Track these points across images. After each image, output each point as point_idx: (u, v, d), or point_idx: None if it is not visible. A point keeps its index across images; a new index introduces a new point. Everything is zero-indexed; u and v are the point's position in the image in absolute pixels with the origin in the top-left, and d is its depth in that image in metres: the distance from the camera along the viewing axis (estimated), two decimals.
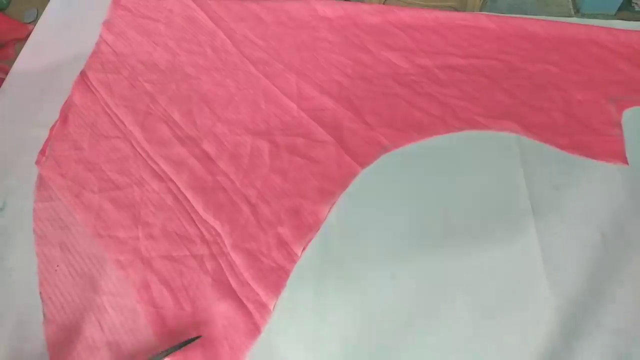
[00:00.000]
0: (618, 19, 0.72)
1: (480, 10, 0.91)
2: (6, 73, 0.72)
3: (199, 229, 0.55)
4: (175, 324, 0.49)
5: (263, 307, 0.49)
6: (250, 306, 0.49)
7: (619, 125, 0.61)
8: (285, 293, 0.50)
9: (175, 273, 0.52)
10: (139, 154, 0.61)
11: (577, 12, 1.29)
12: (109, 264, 0.53)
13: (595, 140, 0.60)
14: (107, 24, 0.76)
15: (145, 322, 0.49)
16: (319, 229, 0.54)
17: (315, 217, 0.55)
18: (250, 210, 0.56)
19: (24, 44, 0.76)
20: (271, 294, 0.50)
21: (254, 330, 0.48)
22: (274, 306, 0.50)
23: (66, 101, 0.67)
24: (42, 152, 0.62)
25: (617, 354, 0.46)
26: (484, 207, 0.55)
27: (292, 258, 0.52)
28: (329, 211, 0.55)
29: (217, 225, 0.55)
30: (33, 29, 0.78)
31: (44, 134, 0.64)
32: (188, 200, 0.57)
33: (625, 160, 0.58)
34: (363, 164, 0.58)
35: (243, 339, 0.48)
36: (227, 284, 0.51)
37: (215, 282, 0.51)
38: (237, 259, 0.52)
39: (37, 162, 0.61)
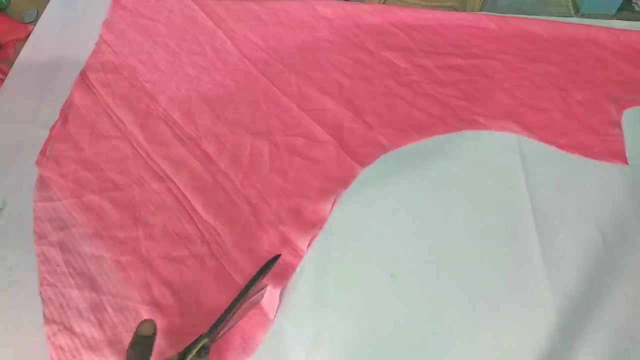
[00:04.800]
0: (618, 19, 0.72)
1: (480, 10, 0.91)
2: (5, 74, 0.72)
3: (199, 229, 0.55)
4: (182, 321, 0.49)
5: (271, 296, 0.49)
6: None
7: (619, 125, 0.61)
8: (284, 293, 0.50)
9: (176, 273, 0.52)
10: (139, 154, 0.61)
11: (577, 12, 1.29)
12: (109, 264, 0.53)
13: (595, 140, 0.60)
14: (107, 24, 0.76)
15: None
16: (322, 227, 0.54)
17: (318, 215, 0.55)
18: (251, 210, 0.56)
19: (24, 44, 0.76)
20: (278, 284, 0.50)
21: (265, 320, 0.48)
22: (281, 297, 0.50)
23: (66, 101, 0.67)
24: (42, 152, 0.62)
25: (616, 354, 0.46)
26: (484, 206, 0.55)
27: (298, 254, 0.52)
28: (331, 209, 0.55)
29: (217, 226, 0.55)
30: (33, 29, 0.78)
31: (44, 134, 0.64)
32: (188, 200, 0.57)
33: (625, 160, 0.58)
34: (363, 164, 0.58)
35: (255, 329, 0.48)
36: (231, 279, 0.51)
37: (219, 279, 0.51)
38: (239, 257, 0.52)
39: (37, 162, 0.61)
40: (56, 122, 0.65)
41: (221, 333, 0.45)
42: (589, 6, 1.28)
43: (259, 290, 0.49)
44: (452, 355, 0.47)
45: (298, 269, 0.52)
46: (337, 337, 0.48)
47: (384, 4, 0.94)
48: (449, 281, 0.51)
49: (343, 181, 0.57)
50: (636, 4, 1.32)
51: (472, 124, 0.62)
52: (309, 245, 0.53)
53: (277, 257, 0.51)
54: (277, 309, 0.49)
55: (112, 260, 0.53)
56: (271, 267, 0.50)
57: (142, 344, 0.40)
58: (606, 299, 0.49)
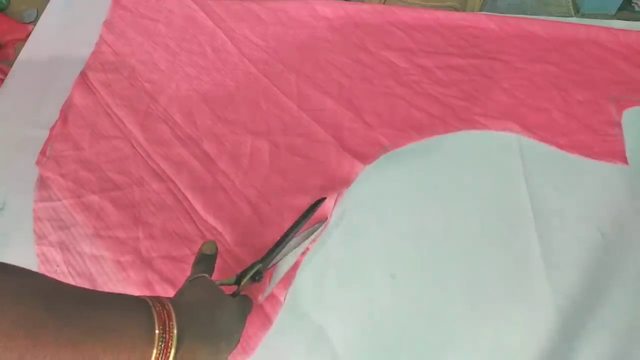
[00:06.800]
0: (618, 19, 0.72)
1: (480, 10, 0.91)
2: (5, 74, 0.72)
3: (199, 229, 0.55)
4: None
5: (274, 299, 0.49)
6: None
7: (619, 125, 0.61)
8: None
9: (178, 272, 0.52)
10: (139, 154, 0.61)
11: (577, 12, 1.29)
12: (109, 264, 0.53)
13: (595, 140, 0.60)
14: (107, 24, 0.76)
15: None
16: (325, 222, 0.54)
17: (321, 210, 0.54)
18: (252, 209, 0.56)
19: (24, 44, 0.76)
20: (281, 285, 0.50)
21: (266, 321, 0.48)
22: (284, 297, 0.49)
23: (66, 101, 0.67)
24: (42, 152, 0.62)
25: (617, 354, 0.46)
26: (484, 207, 0.55)
27: (303, 251, 0.52)
28: (334, 206, 0.55)
29: (218, 225, 0.55)
30: (33, 29, 0.78)
31: (44, 134, 0.64)
32: (188, 201, 0.57)
33: (625, 160, 0.58)
34: (363, 164, 0.58)
35: (255, 331, 0.47)
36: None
37: (223, 277, 0.51)
38: (243, 255, 0.52)
39: (37, 162, 0.61)
40: (56, 122, 0.65)
41: (272, 263, 0.48)
42: (589, 6, 1.28)
43: (308, 228, 0.52)
44: (452, 355, 0.47)
45: (299, 269, 0.52)
46: (337, 337, 0.48)
47: (384, 4, 0.94)
48: (449, 281, 0.51)
49: (344, 180, 0.57)
50: (636, 4, 1.32)
51: (472, 124, 0.62)
52: (314, 241, 0.53)
53: (322, 199, 0.53)
54: (279, 312, 0.49)
55: (112, 260, 0.53)
56: (317, 208, 0.52)
57: (206, 260, 0.44)
58: (606, 299, 0.49)
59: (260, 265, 0.46)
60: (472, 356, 0.47)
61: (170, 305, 0.33)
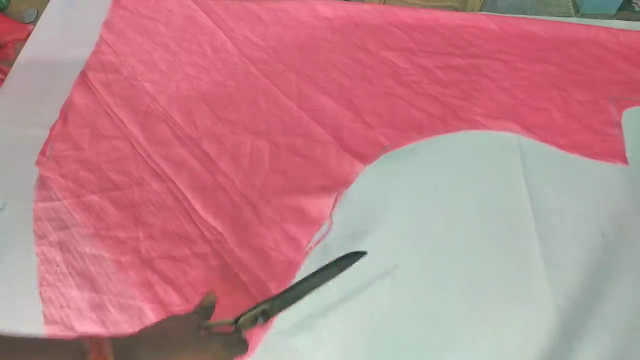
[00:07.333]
0: (618, 19, 0.72)
1: (480, 10, 0.91)
2: (5, 74, 0.72)
3: (199, 229, 0.55)
4: None
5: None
6: (260, 298, 0.49)
7: (619, 125, 0.61)
8: None
9: (179, 272, 0.52)
10: (139, 154, 0.61)
11: (577, 12, 1.29)
12: (109, 264, 0.53)
13: (595, 140, 0.60)
14: (107, 24, 0.76)
15: (154, 318, 0.49)
16: (325, 223, 0.54)
17: (320, 212, 0.54)
18: (252, 209, 0.56)
19: (24, 44, 0.76)
20: (282, 285, 0.50)
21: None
22: None
23: (66, 101, 0.67)
24: (42, 152, 0.62)
25: (617, 354, 0.46)
26: (484, 207, 0.55)
27: (302, 251, 0.52)
28: (333, 206, 0.55)
29: (218, 225, 0.55)
30: (33, 29, 0.78)
31: (44, 134, 0.64)
32: (188, 200, 0.57)
33: (625, 160, 0.58)
34: (363, 164, 0.58)
35: (255, 331, 0.47)
36: (237, 277, 0.51)
37: (224, 277, 0.51)
38: (243, 255, 0.52)
39: (37, 162, 0.61)
40: (56, 122, 0.65)
41: (285, 307, 0.44)
42: (589, 6, 1.28)
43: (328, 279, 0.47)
44: (452, 355, 0.47)
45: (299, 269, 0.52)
46: (337, 337, 0.48)
47: (384, 4, 0.94)
48: (449, 281, 0.51)
49: (344, 180, 0.57)
50: (636, 4, 1.32)
51: (472, 124, 0.62)
52: (318, 241, 0.53)
53: (363, 253, 0.49)
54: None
55: (112, 260, 0.53)
56: (351, 264, 0.48)
57: (203, 309, 0.42)
58: (606, 299, 0.49)
59: (267, 305, 0.42)
60: (472, 356, 0.47)
61: (109, 346, 0.32)
